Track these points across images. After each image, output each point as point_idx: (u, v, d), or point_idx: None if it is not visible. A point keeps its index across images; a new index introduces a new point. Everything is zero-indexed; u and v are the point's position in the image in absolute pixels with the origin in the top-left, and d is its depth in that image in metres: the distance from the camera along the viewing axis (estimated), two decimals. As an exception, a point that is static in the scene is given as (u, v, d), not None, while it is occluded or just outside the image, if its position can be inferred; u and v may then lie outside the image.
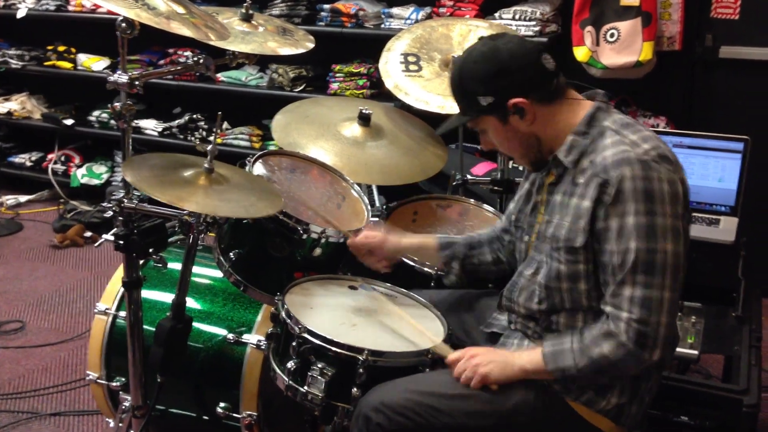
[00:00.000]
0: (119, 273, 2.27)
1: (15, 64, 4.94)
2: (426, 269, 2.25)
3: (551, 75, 1.65)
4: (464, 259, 2.04)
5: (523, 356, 1.70)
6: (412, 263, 2.27)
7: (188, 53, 4.34)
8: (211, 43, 2.00)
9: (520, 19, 3.52)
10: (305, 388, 1.78)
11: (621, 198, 1.55)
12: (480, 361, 1.69)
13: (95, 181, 4.84)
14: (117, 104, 1.89)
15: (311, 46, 2.47)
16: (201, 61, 2.09)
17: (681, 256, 1.57)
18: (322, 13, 4.05)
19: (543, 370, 1.64)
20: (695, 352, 2.16)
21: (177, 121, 4.59)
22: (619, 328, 1.55)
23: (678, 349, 2.15)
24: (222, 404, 2.18)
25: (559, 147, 1.69)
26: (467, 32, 2.80)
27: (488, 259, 2.04)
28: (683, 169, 1.63)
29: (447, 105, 2.59)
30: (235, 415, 2.17)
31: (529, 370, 1.67)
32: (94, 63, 4.77)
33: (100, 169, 4.91)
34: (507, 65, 1.63)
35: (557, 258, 1.66)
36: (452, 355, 1.75)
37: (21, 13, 4.76)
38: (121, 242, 1.96)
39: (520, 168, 3.53)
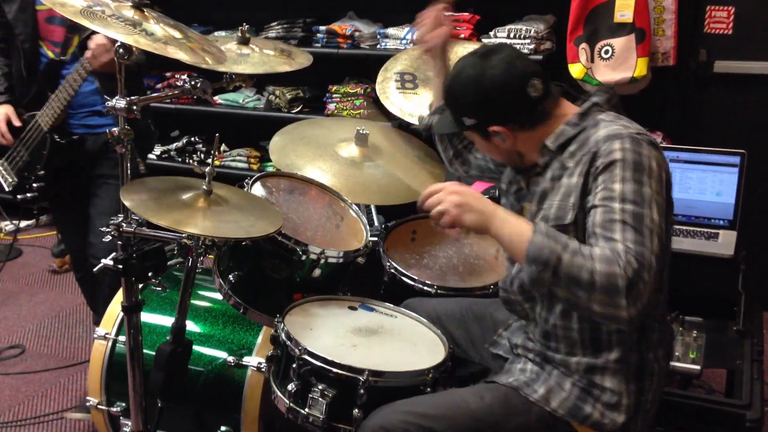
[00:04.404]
0: (118, 297, 2.27)
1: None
2: (426, 288, 2.25)
3: (534, 102, 1.68)
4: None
5: (509, 222, 1.60)
6: (411, 282, 2.27)
7: (185, 77, 4.36)
8: (209, 66, 2.01)
9: (514, 38, 3.55)
10: (306, 410, 1.77)
11: (610, 167, 1.55)
12: (459, 201, 1.63)
13: (94, 206, 4.84)
14: (115, 129, 1.90)
15: (308, 63, 2.48)
16: (198, 84, 2.09)
17: (664, 232, 1.52)
18: (318, 35, 4.08)
19: (523, 238, 1.53)
20: (697, 367, 2.15)
21: (175, 144, 4.60)
22: (619, 270, 1.43)
23: (680, 365, 2.15)
24: (223, 428, 2.17)
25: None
26: (464, 53, 2.81)
27: (464, 140, 2.12)
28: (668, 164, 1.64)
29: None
30: (236, 438, 2.16)
31: (505, 233, 1.59)
32: (92, 88, 4.78)
33: (99, 193, 4.91)
34: (488, 95, 1.68)
35: None
36: (431, 187, 1.69)
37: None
38: (120, 266, 1.96)
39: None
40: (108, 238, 1.92)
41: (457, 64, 1.76)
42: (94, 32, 2.51)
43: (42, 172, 2.74)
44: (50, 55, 2.72)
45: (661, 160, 1.59)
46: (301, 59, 2.47)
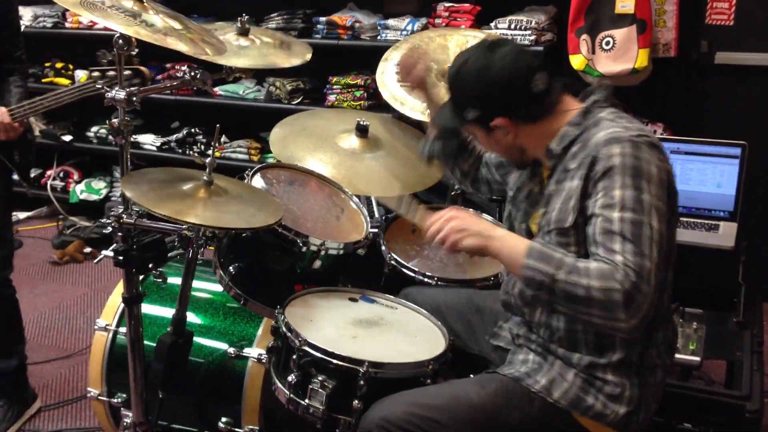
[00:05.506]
0: (119, 289, 2.27)
1: (13, 81, 4.94)
2: (426, 279, 2.25)
3: (538, 97, 1.68)
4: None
5: (506, 243, 1.63)
6: (412, 273, 2.27)
7: (185, 68, 4.34)
8: (209, 58, 2.01)
9: (515, 29, 3.53)
10: (306, 401, 1.78)
11: (609, 173, 1.55)
12: (458, 226, 1.66)
13: (94, 197, 4.85)
14: (115, 120, 1.90)
15: (308, 57, 2.48)
16: (198, 75, 2.09)
17: (665, 238, 1.53)
18: (318, 26, 4.07)
19: (518, 261, 1.57)
20: (697, 358, 2.15)
21: (175, 136, 4.59)
22: (616, 284, 1.46)
23: (680, 356, 2.16)
24: (224, 419, 2.18)
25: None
26: (465, 43, 2.81)
27: (469, 159, 2.14)
28: (671, 163, 1.64)
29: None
30: (237, 429, 2.16)
31: (503, 254, 1.63)
32: (91, 79, 4.78)
33: (99, 184, 4.91)
34: (494, 87, 1.67)
35: (549, 241, 1.66)
36: (431, 218, 1.73)
37: (18, 31, 4.76)
38: (121, 258, 1.95)
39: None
40: None
41: (461, 55, 1.75)
42: None
43: None
44: None
45: (661, 160, 1.58)
46: (300, 53, 2.47)
